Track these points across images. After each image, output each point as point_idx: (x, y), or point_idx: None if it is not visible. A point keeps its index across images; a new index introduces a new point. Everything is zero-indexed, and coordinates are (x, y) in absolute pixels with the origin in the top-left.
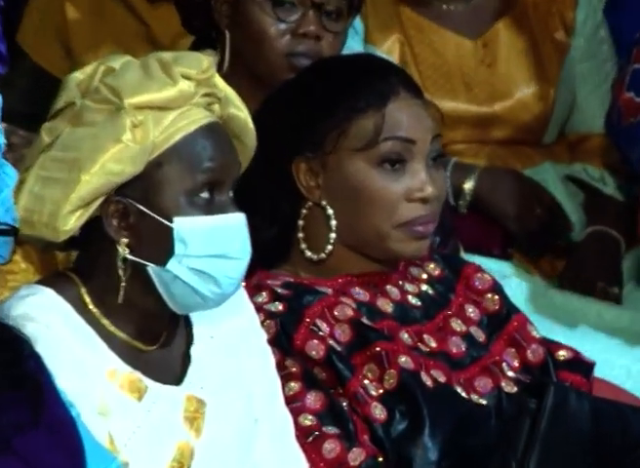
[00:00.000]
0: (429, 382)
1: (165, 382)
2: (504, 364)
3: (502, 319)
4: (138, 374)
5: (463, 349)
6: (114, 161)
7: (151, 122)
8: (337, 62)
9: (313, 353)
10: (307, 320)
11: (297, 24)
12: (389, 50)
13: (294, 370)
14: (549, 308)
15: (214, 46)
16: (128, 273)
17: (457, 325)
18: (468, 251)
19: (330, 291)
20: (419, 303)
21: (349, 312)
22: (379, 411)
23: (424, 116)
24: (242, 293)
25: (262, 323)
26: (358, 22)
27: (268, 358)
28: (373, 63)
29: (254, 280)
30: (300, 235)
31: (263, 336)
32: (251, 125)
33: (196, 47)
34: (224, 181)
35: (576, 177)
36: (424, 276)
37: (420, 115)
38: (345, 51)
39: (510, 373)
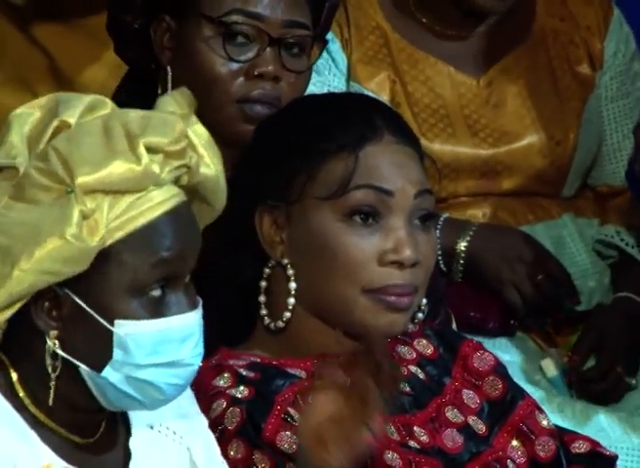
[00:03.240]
0: None
1: None
2: (509, 460)
3: (506, 406)
4: None
5: (460, 443)
6: (53, 260)
7: (105, 210)
8: (317, 99)
9: (286, 446)
10: (279, 407)
11: (251, 64)
12: (378, 88)
13: (263, 466)
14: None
15: (153, 80)
16: (58, 369)
17: (452, 414)
18: (463, 325)
19: (303, 373)
20: (407, 389)
21: None
22: None
23: (410, 166)
24: None
25: (226, 410)
26: (340, 55)
27: (211, 443)
28: (356, 101)
29: (214, 359)
30: (262, 299)
31: (204, 420)
32: (222, 183)
33: (130, 80)
34: (181, 274)
35: (607, 242)
36: (414, 355)
37: (405, 164)
38: (325, 89)
39: None
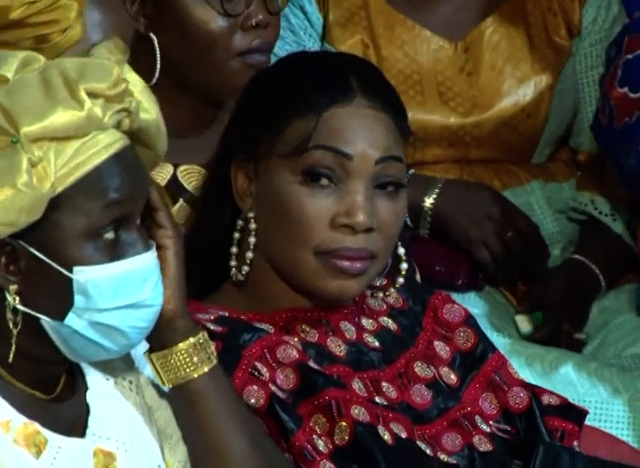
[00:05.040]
0: (388, 437)
1: (69, 434)
2: (478, 416)
3: (477, 358)
4: (35, 426)
5: (429, 399)
6: (6, 210)
7: (52, 157)
8: (301, 58)
9: (252, 401)
10: (246, 362)
11: (245, 16)
12: (350, 51)
13: None
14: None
15: None
16: (19, 324)
17: (421, 369)
18: (430, 281)
19: (271, 328)
20: (376, 344)
21: (294, 354)
22: None
23: (377, 130)
24: None
25: None
26: (316, 16)
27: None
28: (333, 60)
29: None
30: (234, 250)
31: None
32: (162, 128)
33: None
34: (132, 214)
35: (582, 210)
36: (385, 307)
37: (372, 128)
38: (300, 49)
39: (484, 428)
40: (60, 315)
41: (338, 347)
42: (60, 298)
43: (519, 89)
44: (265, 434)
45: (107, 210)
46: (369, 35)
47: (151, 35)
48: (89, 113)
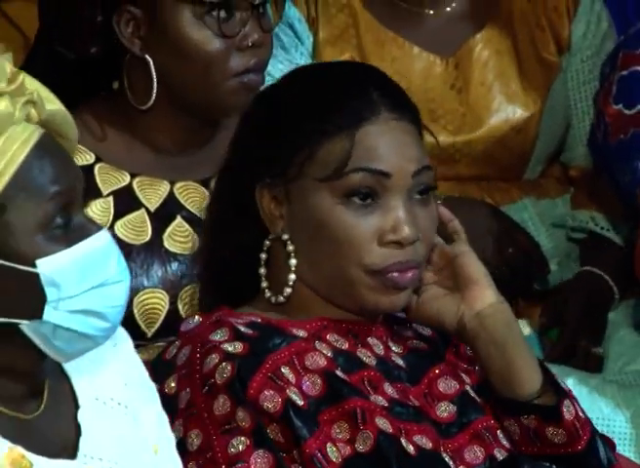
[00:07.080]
0: (411, 449)
1: (55, 456)
2: (500, 431)
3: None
4: (19, 450)
5: (453, 413)
6: None
7: None
8: (314, 73)
9: (267, 405)
10: (267, 366)
11: (242, 36)
12: None
13: (244, 424)
14: None
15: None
16: None
17: (445, 385)
18: None
19: (304, 333)
20: (403, 365)
21: (322, 362)
22: None
23: (408, 143)
24: (123, 338)
25: (218, 364)
26: (306, 34)
27: (161, 413)
28: (352, 73)
29: (214, 316)
30: (262, 271)
31: (154, 387)
32: (67, 114)
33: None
34: (76, 198)
35: (582, 228)
36: (410, 334)
37: (402, 142)
38: (290, 67)
39: (505, 442)
40: (36, 313)
41: (368, 358)
42: (32, 297)
43: (509, 106)
44: None
45: (52, 200)
46: (359, 53)
47: (147, 57)
48: (1, 111)
